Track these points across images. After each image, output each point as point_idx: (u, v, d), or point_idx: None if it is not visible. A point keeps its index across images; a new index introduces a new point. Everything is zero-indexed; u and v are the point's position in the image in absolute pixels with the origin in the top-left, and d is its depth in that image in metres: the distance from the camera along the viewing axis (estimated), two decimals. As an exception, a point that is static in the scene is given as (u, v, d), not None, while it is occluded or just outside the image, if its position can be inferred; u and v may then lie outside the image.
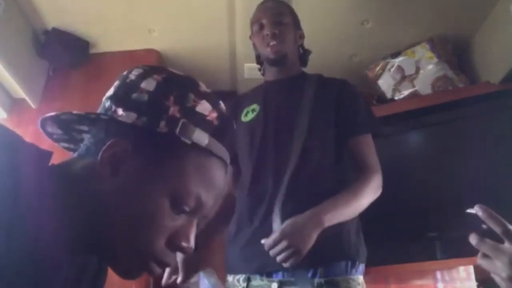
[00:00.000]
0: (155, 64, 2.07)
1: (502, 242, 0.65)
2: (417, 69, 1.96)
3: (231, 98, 1.61)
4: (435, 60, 1.92)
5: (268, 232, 1.12)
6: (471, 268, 1.85)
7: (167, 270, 1.22)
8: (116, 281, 0.65)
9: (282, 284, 1.17)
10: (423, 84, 1.95)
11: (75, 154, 0.62)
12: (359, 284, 1.19)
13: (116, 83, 0.62)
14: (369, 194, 1.23)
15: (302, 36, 1.48)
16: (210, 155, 0.60)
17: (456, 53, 1.99)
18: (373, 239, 1.31)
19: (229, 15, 1.91)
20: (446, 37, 1.98)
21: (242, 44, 1.99)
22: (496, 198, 1.45)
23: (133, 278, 0.58)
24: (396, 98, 2.03)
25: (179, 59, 2.17)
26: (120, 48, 2.11)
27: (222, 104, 0.64)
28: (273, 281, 1.18)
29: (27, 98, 1.98)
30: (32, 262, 0.49)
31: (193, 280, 1.20)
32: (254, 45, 1.49)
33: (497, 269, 0.65)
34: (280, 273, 1.18)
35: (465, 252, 1.52)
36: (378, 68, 2.07)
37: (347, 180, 1.28)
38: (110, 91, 0.62)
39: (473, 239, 0.67)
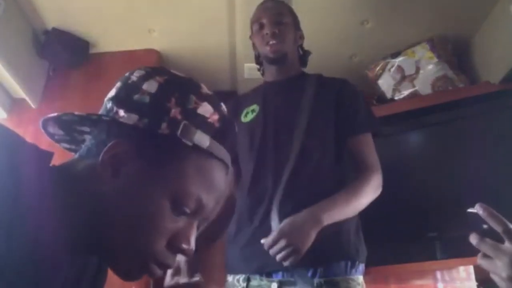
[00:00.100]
0: (155, 64, 2.09)
1: (502, 242, 0.65)
2: (417, 69, 1.96)
3: (231, 98, 1.61)
4: (435, 60, 1.92)
5: (268, 232, 1.12)
6: (471, 268, 1.85)
7: (169, 271, 1.22)
8: (116, 282, 0.65)
9: (281, 284, 1.17)
10: (423, 84, 1.95)
11: (76, 155, 0.62)
12: (359, 284, 1.19)
13: (118, 84, 0.62)
14: (369, 193, 1.23)
15: (301, 37, 1.49)
16: (211, 157, 0.60)
17: (456, 53, 1.99)
18: (373, 239, 1.31)
19: (229, 15, 1.91)
20: (446, 37, 1.98)
21: (242, 44, 1.99)
22: (496, 198, 1.45)
23: (133, 280, 0.58)
24: (396, 98, 2.03)
25: (179, 59, 2.17)
26: (120, 48, 2.12)
27: (223, 106, 0.64)
28: (273, 281, 1.18)
29: (27, 98, 1.98)
30: (32, 262, 0.49)
31: (194, 280, 1.20)
32: (253, 44, 1.49)
33: (498, 269, 0.65)
34: (280, 273, 1.18)
35: (465, 252, 1.52)
36: (378, 68, 2.07)
37: (347, 180, 1.28)
38: (112, 92, 0.62)
39: (473, 239, 0.68)
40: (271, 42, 1.37)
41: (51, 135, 0.65)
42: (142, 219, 0.56)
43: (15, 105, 2.04)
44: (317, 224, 1.10)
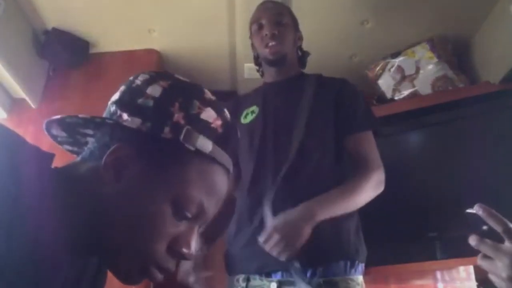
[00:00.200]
0: (155, 64, 2.10)
1: (502, 243, 0.65)
2: (417, 69, 1.96)
3: (231, 98, 1.61)
4: (435, 60, 1.92)
5: None
6: (471, 268, 1.85)
7: (183, 269, 1.22)
8: (116, 284, 0.65)
9: (281, 284, 1.17)
10: (423, 84, 1.95)
11: (79, 158, 0.62)
12: (358, 284, 1.19)
13: (122, 88, 0.63)
14: (368, 189, 1.23)
15: (300, 38, 1.49)
16: (213, 162, 0.60)
17: (456, 53, 1.99)
18: (373, 239, 1.31)
19: (229, 15, 1.91)
20: (446, 37, 1.98)
21: (242, 44, 1.99)
22: (496, 198, 1.45)
23: (133, 283, 0.58)
24: (396, 98, 2.03)
25: (179, 59, 2.17)
26: (120, 48, 2.12)
27: (226, 112, 0.64)
28: (272, 281, 1.18)
29: (27, 98, 1.98)
30: (32, 262, 0.50)
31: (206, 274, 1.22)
32: (252, 45, 1.49)
33: (498, 269, 0.64)
34: (279, 273, 1.18)
35: (465, 252, 1.52)
36: (378, 68, 2.07)
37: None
38: (116, 96, 0.62)
39: (473, 240, 0.67)
40: (270, 44, 1.37)
41: (54, 137, 0.66)
42: (142, 219, 0.56)
43: (15, 105, 2.04)
44: (311, 219, 1.10)
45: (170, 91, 0.60)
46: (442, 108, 1.85)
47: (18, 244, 0.48)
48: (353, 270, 1.18)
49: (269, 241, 1.07)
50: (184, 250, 0.59)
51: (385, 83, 2.06)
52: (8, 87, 1.97)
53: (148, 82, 0.61)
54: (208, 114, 0.60)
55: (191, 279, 1.20)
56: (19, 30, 1.91)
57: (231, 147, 0.63)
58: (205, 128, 0.59)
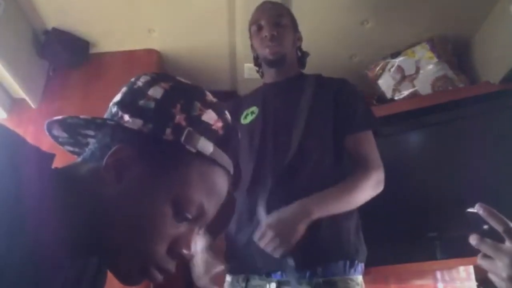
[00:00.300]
0: (155, 64, 2.10)
1: (502, 242, 0.65)
2: (417, 69, 1.96)
3: (231, 98, 1.61)
4: (435, 60, 1.92)
5: None
6: (471, 268, 1.85)
7: (196, 275, 1.21)
8: (116, 284, 0.65)
9: (280, 284, 1.17)
10: (423, 84, 1.95)
11: (80, 158, 0.62)
12: (358, 284, 1.19)
13: (124, 89, 0.63)
14: (367, 189, 1.22)
15: (300, 38, 1.49)
16: (214, 164, 0.60)
17: (456, 53, 1.99)
18: (373, 239, 1.31)
19: (229, 15, 1.91)
20: (446, 37, 1.98)
21: (242, 44, 1.99)
22: (496, 198, 1.44)
23: (133, 284, 0.59)
24: (396, 98, 2.03)
25: (179, 59, 2.17)
26: (120, 48, 2.12)
27: (227, 114, 0.65)
28: (271, 281, 1.18)
29: (27, 98, 1.98)
30: (32, 262, 0.50)
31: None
32: (252, 46, 1.49)
33: (498, 269, 0.64)
34: (279, 273, 1.18)
35: (465, 252, 1.52)
36: (378, 68, 2.07)
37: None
38: (117, 97, 0.62)
39: (473, 240, 0.67)
40: (270, 45, 1.37)
41: (55, 138, 0.66)
42: (142, 220, 0.56)
43: (15, 105, 2.04)
44: (306, 216, 1.10)
45: (171, 93, 0.60)
46: (442, 108, 1.85)
47: (18, 244, 0.48)
48: (352, 270, 1.18)
49: (263, 238, 1.07)
50: (184, 251, 0.59)
51: (385, 83, 2.06)
52: (8, 87, 1.97)
53: (149, 84, 0.61)
54: (209, 116, 0.61)
55: (205, 281, 1.20)
56: (19, 30, 1.91)
57: (232, 149, 0.63)
58: (206, 130, 0.60)
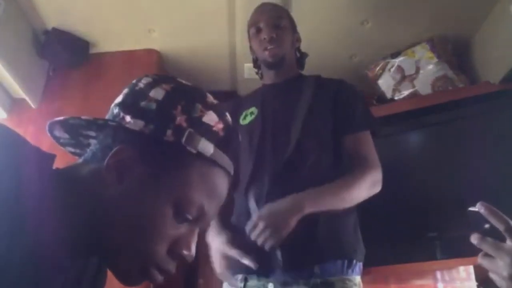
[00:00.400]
0: (155, 64, 2.09)
1: (503, 242, 0.65)
2: (417, 69, 1.96)
3: (231, 98, 1.61)
4: (435, 60, 1.92)
5: None
6: (471, 268, 1.85)
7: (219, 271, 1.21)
8: (116, 284, 0.65)
9: (278, 284, 1.17)
10: (423, 84, 1.95)
11: (81, 159, 0.62)
12: (355, 284, 1.18)
13: (125, 90, 0.63)
14: (362, 188, 1.22)
15: (298, 40, 1.49)
16: (214, 165, 0.60)
17: (456, 53, 1.99)
18: (373, 239, 1.31)
19: (229, 15, 1.91)
20: (446, 37, 1.98)
21: (242, 44, 1.99)
22: (496, 198, 1.44)
23: (133, 284, 0.59)
24: (396, 98, 2.03)
25: (179, 59, 2.17)
26: (120, 48, 2.12)
27: (228, 116, 0.65)
28: (269, 281, 1.18)
29: (27, 98, 1.98)
30: (32, 262, 0.50)
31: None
32: (251, 48, 1.49)
33: (499, 268, 0.65)
34: (277, 273, 1.18)
35: (465, 252, 1.52)
36: (378, 68, 2.07)
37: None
38: (119, 98, 0.63)
39: (474, 239, 0.67)
40: (269, 47, 1.37)
41: (57, 138, 0.66)
42: (143, 219, 0.56)
43: (15, 105, 2.04)
44: (298, 209, 1.11)
45: (172, 94, 0.60)
46: (442, 108, 1.85)
47: (18, 244, 0.48)
48: (350, 270, 1.18)
49: (254, 229, 1.08)
50: (185, 252, 0.60)
51: (385, 83, 2.06)
52: (8, 87, 1.97)
53: (151, 85, 0.61)
54: (210, 118, 0.61)
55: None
56: (19, 30, 1.91)
57: (232, 150, 0.63)
58: (207, 131, 0.60)
